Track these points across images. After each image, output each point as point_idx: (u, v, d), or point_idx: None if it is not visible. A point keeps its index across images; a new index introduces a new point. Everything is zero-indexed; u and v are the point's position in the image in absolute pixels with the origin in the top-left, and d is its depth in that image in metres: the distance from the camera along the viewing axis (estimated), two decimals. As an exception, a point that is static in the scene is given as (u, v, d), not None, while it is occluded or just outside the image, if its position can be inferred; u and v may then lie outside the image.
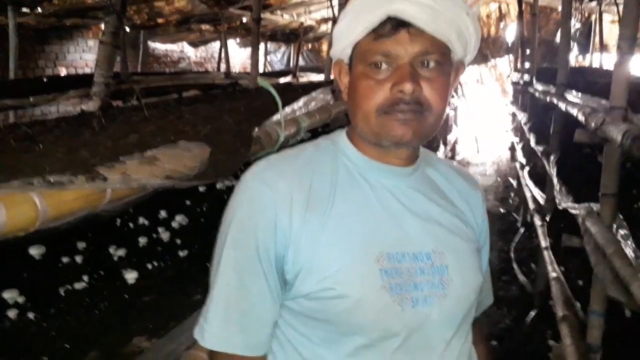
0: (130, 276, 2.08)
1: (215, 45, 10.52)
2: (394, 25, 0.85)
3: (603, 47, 8.31)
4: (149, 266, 2.29)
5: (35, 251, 2.23)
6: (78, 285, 2.04)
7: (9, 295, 1.98)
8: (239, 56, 11.69)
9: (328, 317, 0.86)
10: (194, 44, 10.46)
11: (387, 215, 0.90)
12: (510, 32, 10.54)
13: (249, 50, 11.09)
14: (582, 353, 2.33)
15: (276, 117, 1.75)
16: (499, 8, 10.85)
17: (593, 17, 9.53)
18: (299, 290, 0.87)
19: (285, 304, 0.91)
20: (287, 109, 2.06)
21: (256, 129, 1.61)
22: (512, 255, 4.91)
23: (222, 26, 7.44)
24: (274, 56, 13.06)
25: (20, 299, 1.94)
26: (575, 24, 9.44)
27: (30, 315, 1.82)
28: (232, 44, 10.74)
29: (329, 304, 0.85)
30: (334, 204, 0.89)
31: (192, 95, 4.34)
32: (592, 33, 9.46)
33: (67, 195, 0.79)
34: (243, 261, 0.87)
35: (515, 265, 4.65)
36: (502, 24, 10.93)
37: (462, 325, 0.95)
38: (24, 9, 5.96)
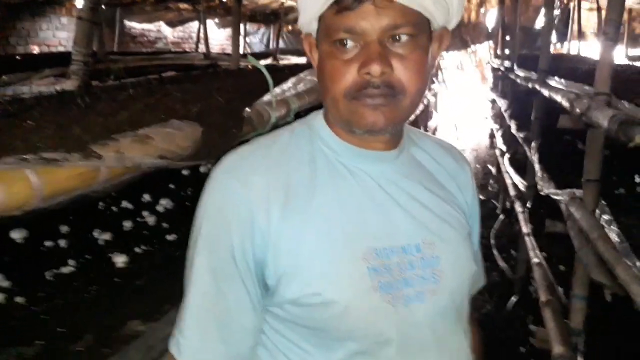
0: (120, 260, 2.03)
1: (193, 25, 10.35)
2: None
3: (581, 34, 8.42)
4: (138, 250, 2.24)
5: (17, 235, 2.17)
6: (66, 269, 1.99)
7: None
8: (217, 37, 11.52)
9: (316, 323, 0.80)
10: (172, 24, 10.27)
11: (372, 206, 0.82)
12: (491, 18, 10.59)
13: (227, 31, 10.95)
14: (565, 336, 2.36)
15: (266, 97, 1.71)
16: (480, -6, 10.87)
17: (571, 5, 9.65)
18: (283, 296, 0.79)
19: (269, 309, 0.83)
20: (277, 90, 2.02)
21: (247, 109, 1.57)
22: (492, 241, 4.97)
23: (200, 5, 7.29)
24: (253, 37, 12.91)
25: (6, 284, 1.88)
26: (553, 11, 9.54)
27: (19, 299, 1.77)
28: (211, 24, 10.56)
29: (316, 311, 0.78)
30: (314, 197, 0.80)
31: (173, 75, 4.25)
32: (571, 20, 9.59)
33: (61, 173, 0.75)
34: (218, 266, 0.79)
35: (495, 252, 4.71)
36: (482, 10, 10.97)
37: (458, 322, 0.89)
38: (-6, -17, 5.73)
